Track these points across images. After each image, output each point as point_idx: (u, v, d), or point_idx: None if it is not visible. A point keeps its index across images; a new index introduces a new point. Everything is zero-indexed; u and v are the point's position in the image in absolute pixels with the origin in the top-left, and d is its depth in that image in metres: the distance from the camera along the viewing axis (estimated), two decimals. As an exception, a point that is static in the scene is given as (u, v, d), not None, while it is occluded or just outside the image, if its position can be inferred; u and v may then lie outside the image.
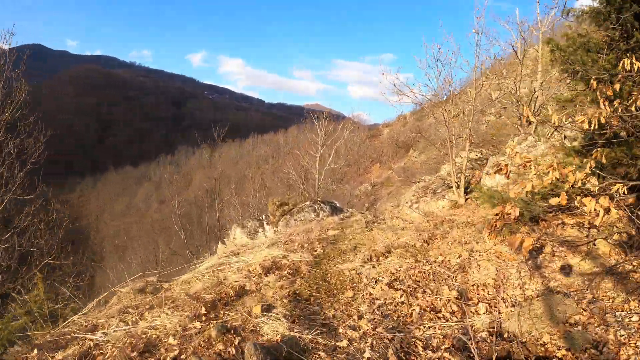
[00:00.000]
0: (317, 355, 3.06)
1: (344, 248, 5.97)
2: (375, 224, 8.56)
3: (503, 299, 3.78)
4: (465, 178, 10.02)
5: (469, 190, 10.51)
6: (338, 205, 10.55)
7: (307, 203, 9.58)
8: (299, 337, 3.30)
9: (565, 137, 11.34)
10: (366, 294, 4.27)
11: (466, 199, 10.05)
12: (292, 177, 19.33)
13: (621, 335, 3.07)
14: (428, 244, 5.83)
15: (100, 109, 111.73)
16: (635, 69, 3.22)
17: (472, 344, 2.67)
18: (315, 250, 5.84)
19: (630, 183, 3.34)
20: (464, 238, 5.81)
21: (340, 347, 3.20)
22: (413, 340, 3.33)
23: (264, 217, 10.35)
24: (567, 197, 3.00)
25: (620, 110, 3.35)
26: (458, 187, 10.06)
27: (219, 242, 11.66)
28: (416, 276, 4.45)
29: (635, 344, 2.97)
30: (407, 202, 12.14)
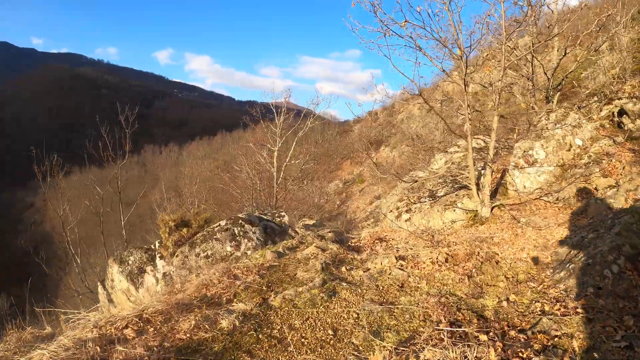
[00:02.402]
0: None
1: None
2: (344, 266, 4.11)
3: None
4: (492, 173, 5.71)
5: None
6: (284, 222, 6.01)
7: (222, 223, 4.99)
8: None
9: (621, 113, 7.30)
10: None
11: (492, 208, 5.77)
12: (243, 175, 14.65)
13: None
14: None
15: (68, 109, 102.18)
16: None
17: None
18: None
19: None
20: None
21: None
22: None
23: (156, 245, 5.72)
24: None
25: None
26: (479, 188, 5.76)
27: (99, 285, 6.96)
28: None
29: None
30: (391, 211, 7.76)
